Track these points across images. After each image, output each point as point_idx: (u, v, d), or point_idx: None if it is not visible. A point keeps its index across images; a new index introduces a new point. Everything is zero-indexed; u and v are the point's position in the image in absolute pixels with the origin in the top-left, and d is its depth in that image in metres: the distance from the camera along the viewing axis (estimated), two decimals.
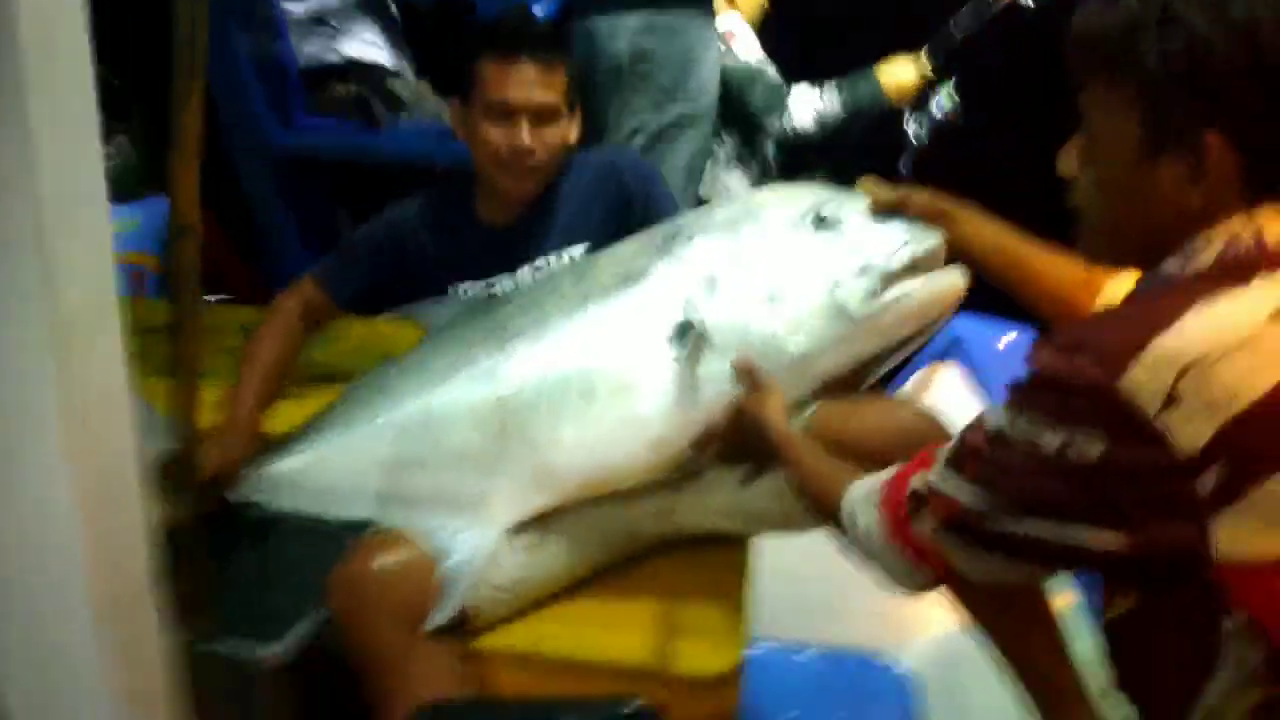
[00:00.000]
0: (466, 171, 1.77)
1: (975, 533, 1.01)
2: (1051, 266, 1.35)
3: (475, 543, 1.45)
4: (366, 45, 2.81)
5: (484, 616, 1.46)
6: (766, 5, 2.88)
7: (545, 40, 1.70)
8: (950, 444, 1.05)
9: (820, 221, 1.46)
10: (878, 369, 1.51)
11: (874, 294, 1.41)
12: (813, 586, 1.83)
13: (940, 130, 2.68)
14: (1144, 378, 0.88)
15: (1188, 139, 0.94)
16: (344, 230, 2.72)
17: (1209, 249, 0.96)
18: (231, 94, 2.57)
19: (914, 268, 1.41)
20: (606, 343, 1.49)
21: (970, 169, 2.58)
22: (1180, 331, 0.89)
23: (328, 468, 1.59)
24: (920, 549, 1.07)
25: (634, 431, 1.46)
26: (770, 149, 2.76)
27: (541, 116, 1.67)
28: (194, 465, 1.28)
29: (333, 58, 2.80)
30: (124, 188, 2.97)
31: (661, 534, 1.59)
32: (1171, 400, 0.87)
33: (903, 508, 1.08)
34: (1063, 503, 0.94)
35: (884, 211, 1.45)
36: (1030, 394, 0.97)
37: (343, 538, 1.46)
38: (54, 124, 0.70)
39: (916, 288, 1.41)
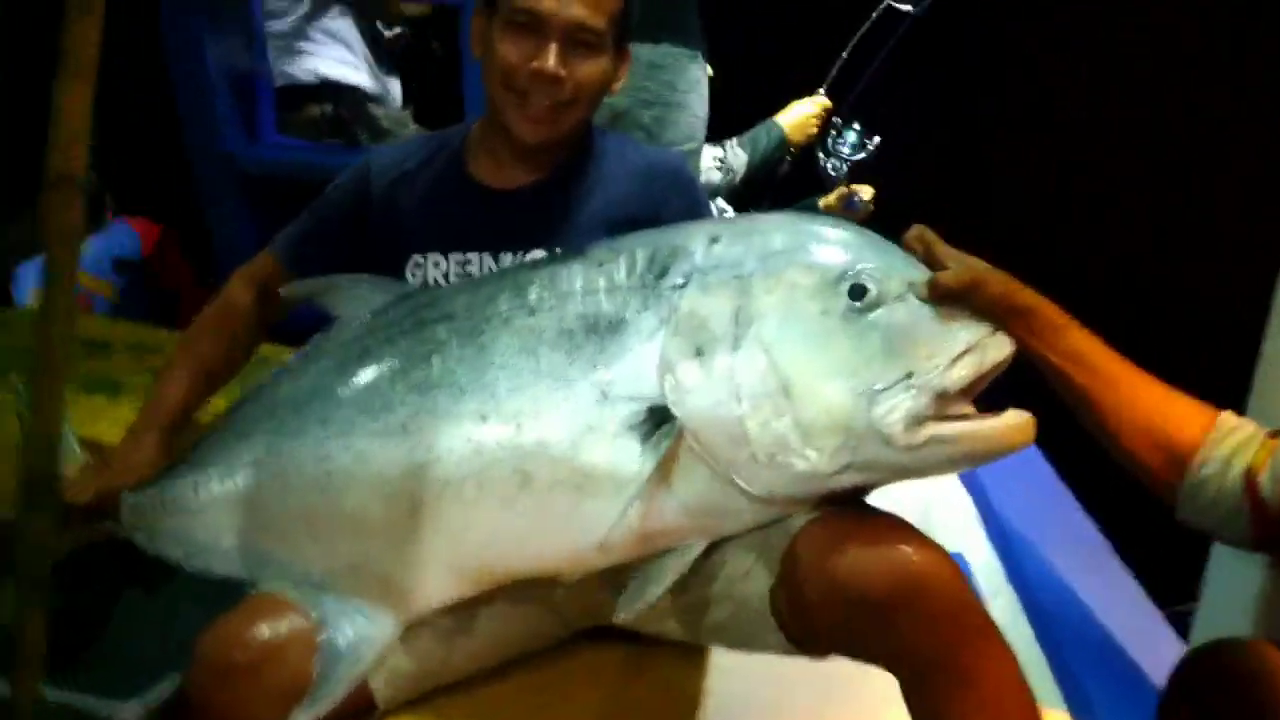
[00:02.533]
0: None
1: None
2: (1161, 403, 1.07)
3: (368, 630, 1.17)
4: (346, 67, 2.66)
5: (382, 702, 1.19)
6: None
7: None
8: None
9: (858, 293, 1.10)
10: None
11: (920, 419, 1.07)
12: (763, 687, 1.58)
13: (857, 165, 2.70)
14: None
15: None
16: None
17: None
18: (198, 105, 2.40)
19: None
20: (554, 415, 1.13)
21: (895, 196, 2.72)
22: None
23: (201, 510, 1.27)
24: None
25: (576, 533, 1.13)
26: None
27: (579, 41, 1.31)
28: (52, 487, 1.02)
29: (309, 78, 2.65)
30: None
31: (598, 624, 1.30)
32: None
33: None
34: None
35: (943, 294, 1.11)
36: None
37: (222, 593, 1.21)
38: None
39: (974, 430, 1.07)
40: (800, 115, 2.71)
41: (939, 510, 2.01)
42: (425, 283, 1.41)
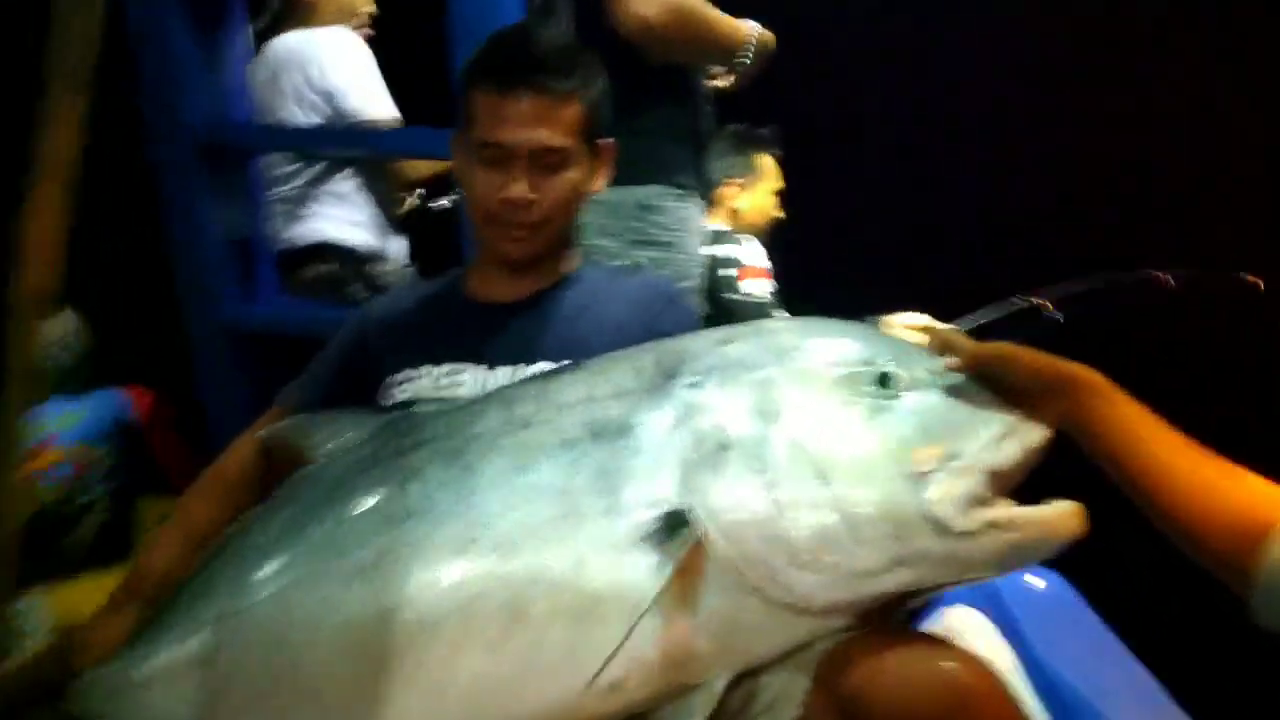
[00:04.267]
0: None
1: None
2: (1228, 480, 0.94)
3: None
4: (350, 227, 2.63)
5: None
6: (778, 214, 2.72)
7: (552, 64, 1.32)
8: None
9: (885, 381, 1.03)
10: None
11: (975, 501, 0.98)
12: None
13: None
14: None
15: None
16: None
17: None
18: (194, 268, 2.33)
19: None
20: (553, 533, 1.01)
21: None
22: None
23: (155, 683, 1.11)
24: None
25: (580, 671, 0.98)
26: None
27: (545, 162, 1.31)
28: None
29: (311, 239, 2.61)
30: (73, 379, 2.73)
31: None
32: None
33: None
34: None
35: (973, 374, 1.03)
36: None
37: None
38: None
39: (1033, 515, 0.99)
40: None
41: None
42: (416, 394, 1.32)
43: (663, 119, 1.93)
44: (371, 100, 2.55)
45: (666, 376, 1.08)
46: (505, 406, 1.12)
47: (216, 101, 2.35)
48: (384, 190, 2.76)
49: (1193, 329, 2.73)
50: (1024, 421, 1.02)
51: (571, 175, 1.34)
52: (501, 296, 1.40)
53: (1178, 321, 2.47)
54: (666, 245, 1.95)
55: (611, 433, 1.05)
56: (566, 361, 1.25)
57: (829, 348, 1.08)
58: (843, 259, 3.18)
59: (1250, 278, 2.26)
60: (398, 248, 2.77)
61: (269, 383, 2.41)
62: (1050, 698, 1.84)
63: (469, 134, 1.34)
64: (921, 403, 1.03)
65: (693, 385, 1.06)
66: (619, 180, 1.51)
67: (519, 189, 1.30)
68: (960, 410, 1.03)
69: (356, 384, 1.37)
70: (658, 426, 1.04)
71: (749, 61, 1.96)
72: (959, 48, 3.21)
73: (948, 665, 1.00)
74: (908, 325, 2.30)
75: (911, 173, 3.32)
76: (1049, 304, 2.26)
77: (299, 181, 2.63)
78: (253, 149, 2.47)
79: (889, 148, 3.32)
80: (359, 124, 2.51)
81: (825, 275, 2.76)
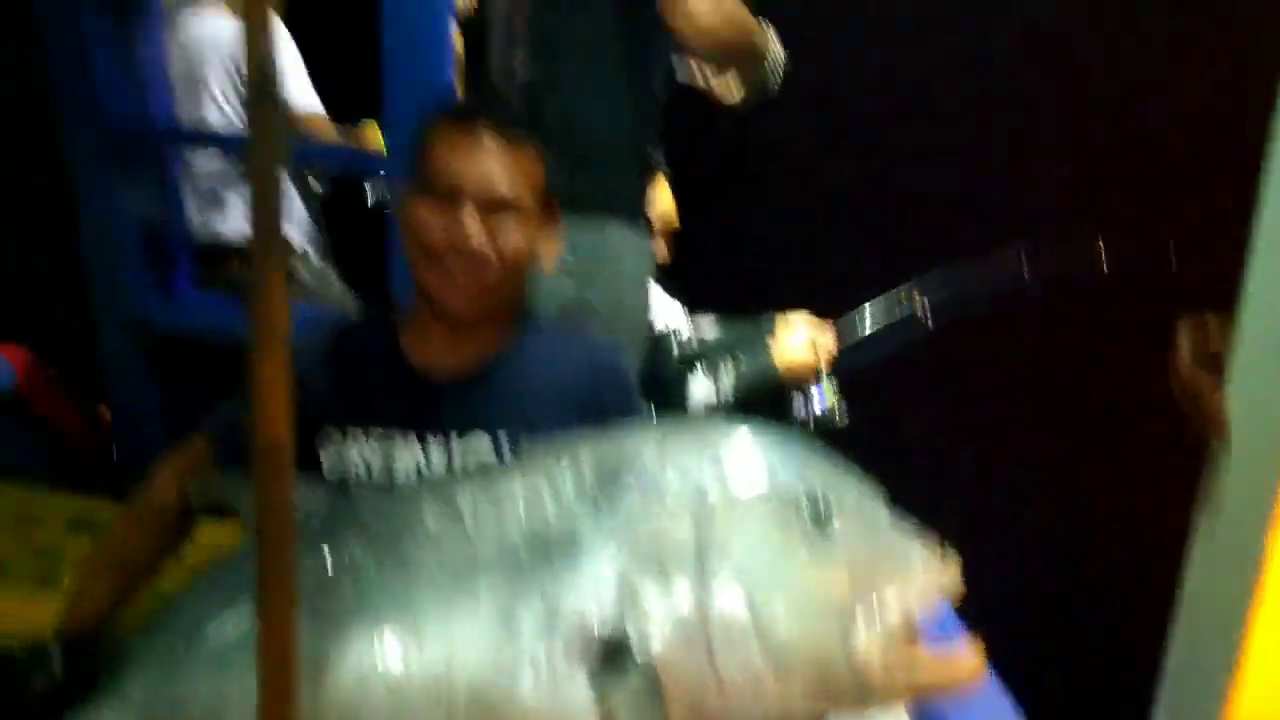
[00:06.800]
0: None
1: None
2: None
3: None
4: None
5: None
6: (674, 223, 2.70)
7: (511, 116, 1.30)
8: None
9: (817, 516, 1.04)
10: None
11: (891, 644, 1.01)
12: None
13: (819, 423, 2.40)
14: None
15: None
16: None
17: None
18: (106, 261, 2.25)
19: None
20: (490, 652, 1.01)
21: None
22: None
23: None
24: None
25: None
26: None
27: (499, 208, 1.26)
28: None
29: (231, 233, 2.54)
30: None
31: None
32: None
33: None
34: None
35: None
36: None
37: None
38: None
39: (939, 661, 1.03)
40: (799, 358, 2.34)
41: None
42: (342, 461, 1.28)
43: (632, 140, 1.92)
44: (302, 93, 2.49)
45: (606, 485, 1.07)
46: (446, 501, 1.10)
47: (131, 87, 2.26)
48: (308, 185, 2.70)
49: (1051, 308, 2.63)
50: (942, 558, 1.06)
51: (524, 228, 1.29)
52: (441, 364, 1.33)
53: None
54: (621, 289, 1.92)
55: (551, 545, 1.05)
56: (502, 433, 1.26)
57: (769, 471, 1.08)
58: (735, 255, 3.18)
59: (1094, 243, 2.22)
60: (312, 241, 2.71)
61: (182, 385, 2.36)
62: None
63: (419, 174, 1.29)
64: (851, 537, 1.04)
65: (632, 502, 1.06)
66: (576, 210, 1.48)
67: (471, 228, 1.25)
68: (886, 547, 1.06)
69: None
70: (598, 545, 1.04)
71: (776, 79, 1.97)
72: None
73: None
74: (790, 328, 2.37)
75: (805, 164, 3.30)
76: (922, 305, 2.32)
77: (218, 168, 2.56)
78: (167, 144, 2.39)
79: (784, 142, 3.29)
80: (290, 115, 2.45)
81: (722, 272, 2.77)
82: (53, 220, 2.33)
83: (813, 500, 1.05)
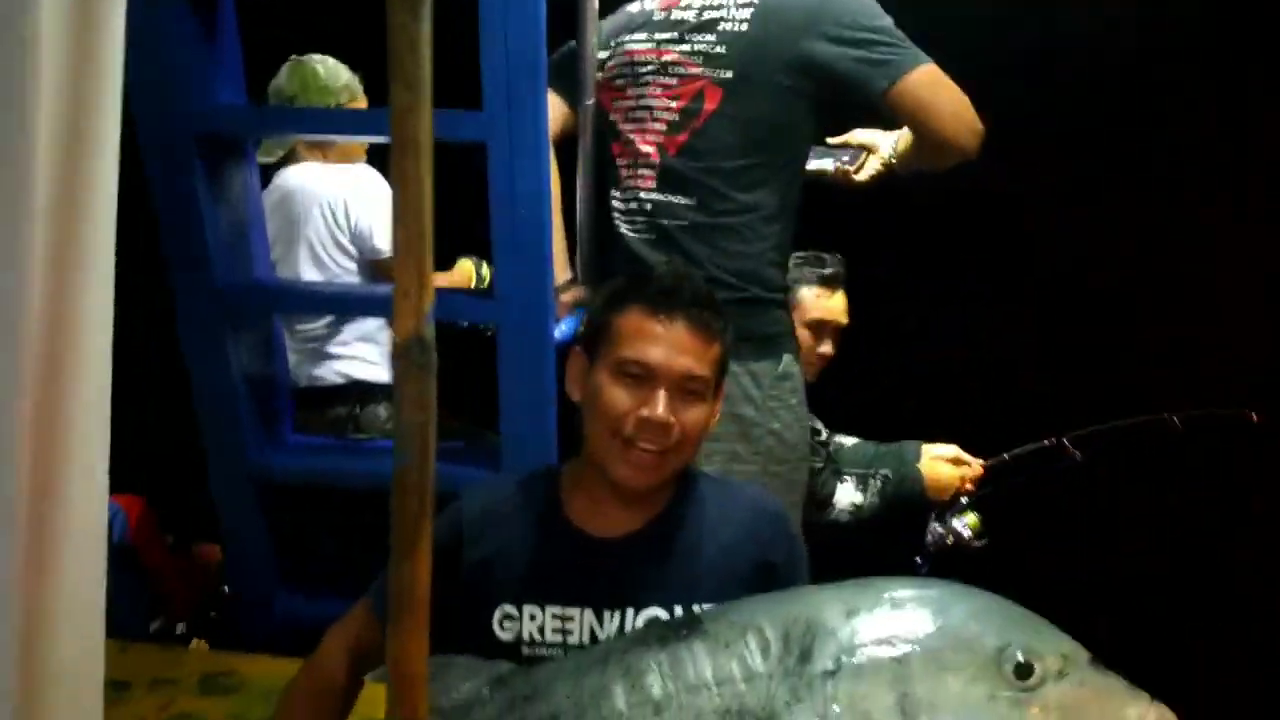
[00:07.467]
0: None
1: None
2: None
3: None
4: (375, 367, 2.67)
5: None
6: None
7: (705, 302, 1.37)
8: None
9: (1023, 673, 1.02)
10: None
11: None
12: None
13: (953, 550, 2.45)
14: None
15: None
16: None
17: None
18: (216, 413, 2.35)
19: None
20: None
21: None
22: None
23: None
24: None
25: None
26: None
27: (686, 390, 1.33)
28: None
29: (333, 379, 2.65)
30: None
31: None
32: None
33: None
34: None
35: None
36: None
37: None
38: None
39: None
40: (945, 476, 2.42)
41: None
42: (519, 638, 1.31)
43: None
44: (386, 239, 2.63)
45: (799, 659, 1.07)
46: (633, 682, 1.10)
47: (237, 246, 2.35)
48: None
49: (1197, 463, 2.81)
50: (1149, 708, 1.03)
51: (705, 408, 1.37)
52: (611, 529, 1.38)
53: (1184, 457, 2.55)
54: (794, 412, 2.00)
55: None
56: (678, 609, 1.29)
57: (966, 630, 1.06)
58: (879, 384, 3.22)
59: (1247, 413, 2.36)
60: None
61: (293, 525, 2.44)
62: None
63: (611, 350, 1.36)
64: (1056, 698, 1.03)
65: (828, 673, 1.05)
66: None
67: (662, 409, 1.31)
68: (1095, 700, 1.03)
69: (447, 600, 1.36)
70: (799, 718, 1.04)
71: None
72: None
73: None
74: (939, 456, 2.38)
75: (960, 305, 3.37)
76: (1070, 445, 2.34)
77: (326, 319, 2.68)
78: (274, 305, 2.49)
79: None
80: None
81: (863, 399, 2.82)
82: (166, 375, 2.45)
83: (1013, 654, 1.03)
